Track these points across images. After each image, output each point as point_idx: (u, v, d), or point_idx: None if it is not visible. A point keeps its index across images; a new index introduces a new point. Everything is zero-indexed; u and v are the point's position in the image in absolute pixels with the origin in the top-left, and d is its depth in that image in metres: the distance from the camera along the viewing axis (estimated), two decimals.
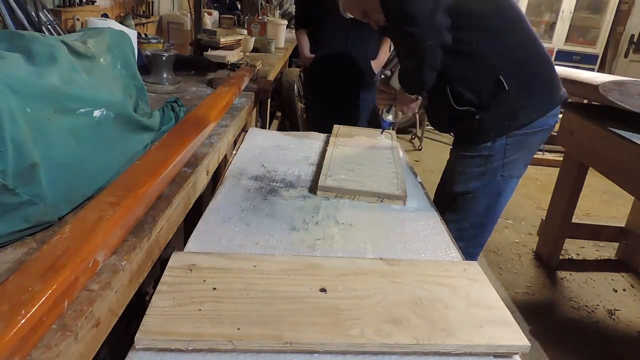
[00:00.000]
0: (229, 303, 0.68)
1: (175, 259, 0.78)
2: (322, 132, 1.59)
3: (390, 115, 1.44)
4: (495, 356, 0.66)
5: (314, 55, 2.31)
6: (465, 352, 0.65)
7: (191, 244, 0.87)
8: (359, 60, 2.26)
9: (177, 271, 0.75)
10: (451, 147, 1.48)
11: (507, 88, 1.24)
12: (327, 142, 1.46)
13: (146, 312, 0.65)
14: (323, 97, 2.37)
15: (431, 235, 1.00)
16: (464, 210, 1.39)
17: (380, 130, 1.53)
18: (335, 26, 2.19)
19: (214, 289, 0.71)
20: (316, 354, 0.63)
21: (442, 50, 1.17)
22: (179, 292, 0.70)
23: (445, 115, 1.35)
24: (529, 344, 0.66)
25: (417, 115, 4.67)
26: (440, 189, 1.54)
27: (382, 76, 1.77)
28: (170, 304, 0.67)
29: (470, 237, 1.42)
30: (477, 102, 1.28)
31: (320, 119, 2.28)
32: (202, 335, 0.62)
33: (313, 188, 1.14)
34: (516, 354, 0.66)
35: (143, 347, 0.60)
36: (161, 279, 0.72)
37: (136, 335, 0.61)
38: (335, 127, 1.59)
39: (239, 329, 0.63)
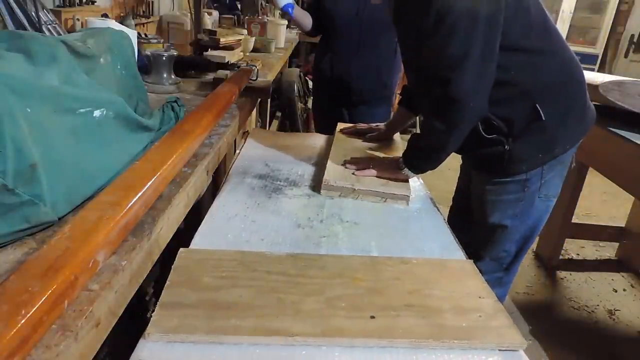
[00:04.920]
0: (235, 298, 0.69)
1: (182, 255, 0.79)
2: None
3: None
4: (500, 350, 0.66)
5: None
6: (463, 349, 0.65)
7: (197, 240, 0.88)
8: (370, 72, 2.11)
9: (184, 267, 0.76)
10: (472, 169, 1.34)
11: (543, 118, 1.11)
12: (329, 142, 1.46)
13: (157, 306, 0.66)
14: (329, 106, 2.23)
15: (435, 234, 1.00)
16: (503, 242, 1.26)
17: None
18: (348, 32, 2.05)
19: (220, 285, 0.72)
20: (323, 347, 0.63)
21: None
22: (186, 287, 0.71)
23: (470, 141, 1.14)
24: (526, 343, 0.66)
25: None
26: (458, 217, 1.41)
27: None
28: (177, 300, 0.68)
29: (509, 266, 1.31)
30: (508, 131, 1.14)
31: (325, 128, 2.09)
32: (210, 329, 0.63)
33: (317, 187, 1.15)
34: (516, 351, 0.66)
35: (153, 338, 0.62)
36: (169, 275, 0.73)
37: (147, 330, 0.62)
38: (339, 125, 1.58)
39: (245, 322, 0.64)
